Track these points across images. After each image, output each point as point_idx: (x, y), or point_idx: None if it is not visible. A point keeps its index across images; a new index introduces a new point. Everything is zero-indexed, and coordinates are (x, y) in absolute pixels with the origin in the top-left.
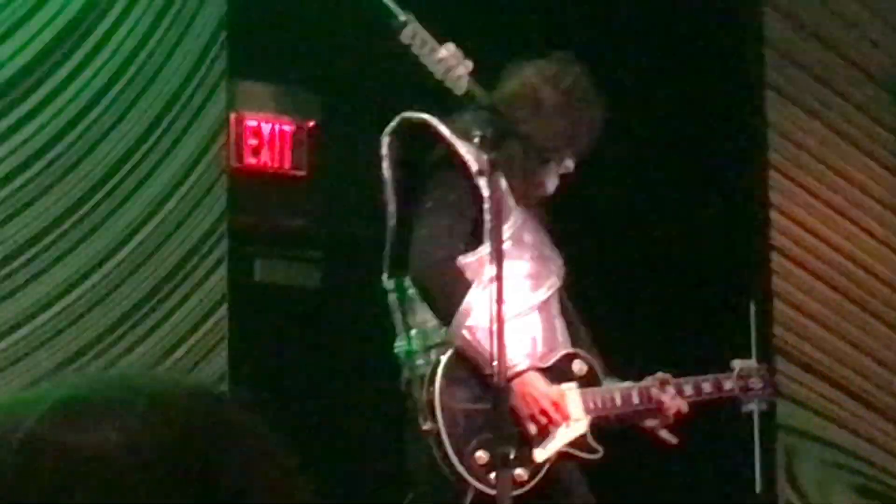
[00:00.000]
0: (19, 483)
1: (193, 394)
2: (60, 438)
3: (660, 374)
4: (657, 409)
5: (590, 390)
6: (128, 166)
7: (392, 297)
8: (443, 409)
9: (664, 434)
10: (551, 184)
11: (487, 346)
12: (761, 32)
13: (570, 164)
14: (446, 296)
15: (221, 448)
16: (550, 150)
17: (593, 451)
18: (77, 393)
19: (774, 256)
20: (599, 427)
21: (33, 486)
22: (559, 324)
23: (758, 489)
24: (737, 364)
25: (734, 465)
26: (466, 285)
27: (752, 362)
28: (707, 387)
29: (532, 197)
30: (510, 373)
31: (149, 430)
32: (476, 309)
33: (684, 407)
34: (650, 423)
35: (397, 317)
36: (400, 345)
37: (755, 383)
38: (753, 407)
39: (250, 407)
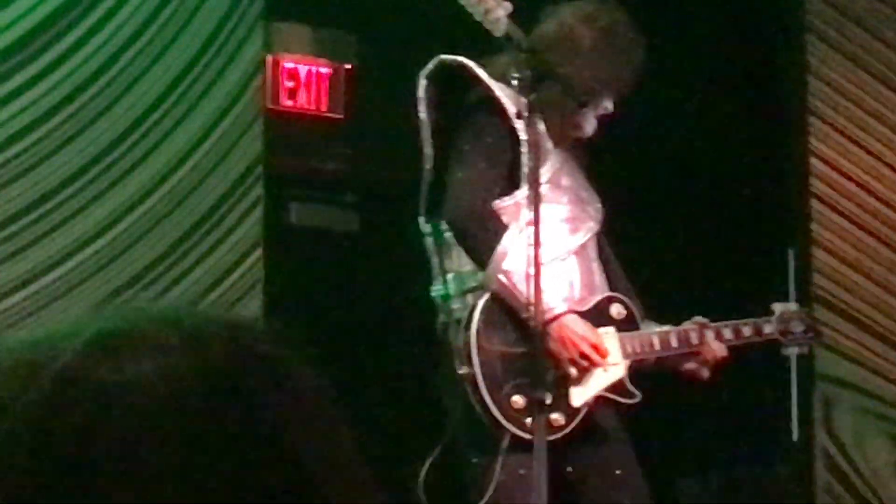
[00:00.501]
0: (54, 416)
1: (232, 327)
2: (95, 371)
3: (698, 318)
4: (696, 353)
5: (628, 334)
6: (163, 108)
7: (429, 241)
8: (479, 354)
9: (700, 371)
10: (590, 125)
11: (524, 290)
12: None
13: (609, 105)
14: (481, 241)
15: (259, 381)
16: (588, 91)
17: (631, 395)
18: (113, 326)
19: (814, 203)
20: (637, 371)
21: (68, 418)
22: (597, 267)
23: (794, 437)
24: (777, 308)
25: (771, 412)
26: (502, 229)
27: (792, 305)
28: (747, 330)
29: (570, 139)
30: (548, 316)
31: (185, 362)
32: (512, 253)
33: (723, 350)
34: (689, 366)
35: (434, 260)
36: (437, 288)
37: (796, 327)
38: (793, 350)
39: (289, 343)
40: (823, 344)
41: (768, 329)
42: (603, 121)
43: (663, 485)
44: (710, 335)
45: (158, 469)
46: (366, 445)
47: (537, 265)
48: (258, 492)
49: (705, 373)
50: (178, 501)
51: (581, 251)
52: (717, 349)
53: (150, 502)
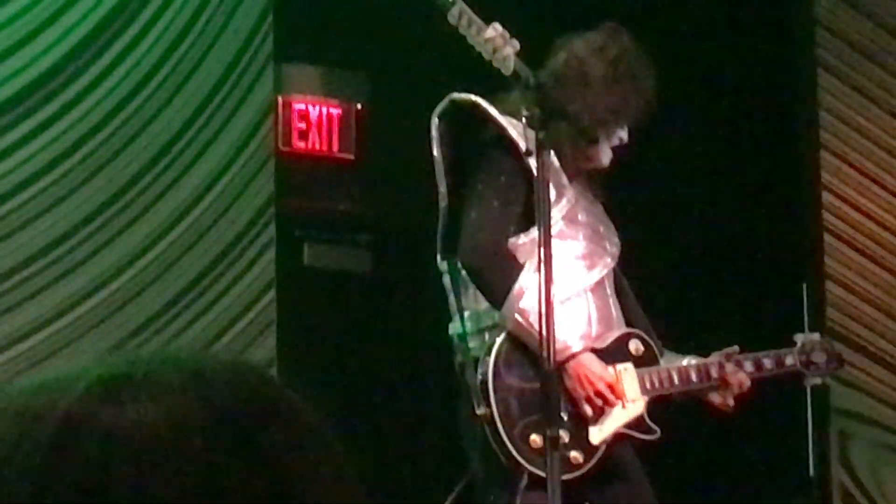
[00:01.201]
0: (57, 461)
1: (236, 370)
2: (99, 415)
3: (726, 350)
4: (720, 384)
5: (647, 370)
6: (175, 150)
7: (445, 279)
8: (496, 393)
9: (726, 402)
10: (605, 157)
11: None
12: (812, 12)
13: (623, 135)
14: (497, 281)
15: (264, 425)
16: (601, 123)
17: (650, 431)
18: (115, 369)
19: (827, 238)
20: (661, 404)
21: (71, 464)
22: (614, 303)
23: (811, 472)
24: (799, 338)
25: (788, 447)
26: (517, 269)
27: (815, 336)
28: (768, 363)
29: (586, 171)
30: (565, 355)
31: (188, 403)
32: (529, 291)
33: (747, 381)
34: (714, 397)
35: (451, 298)
36: (454, 326)
37: (818, 357)
38: (816, 381)
39: (297, 390)
40: (839, 378)
41: (790, 360)
42: (619, 151)
43: None
44: (730, 368)
45: None
46: (384, 487)
47: (549, 304)
48: None
49: (731, 402)
50: None
51: (597, 287)
52: (742, 379)
53: None
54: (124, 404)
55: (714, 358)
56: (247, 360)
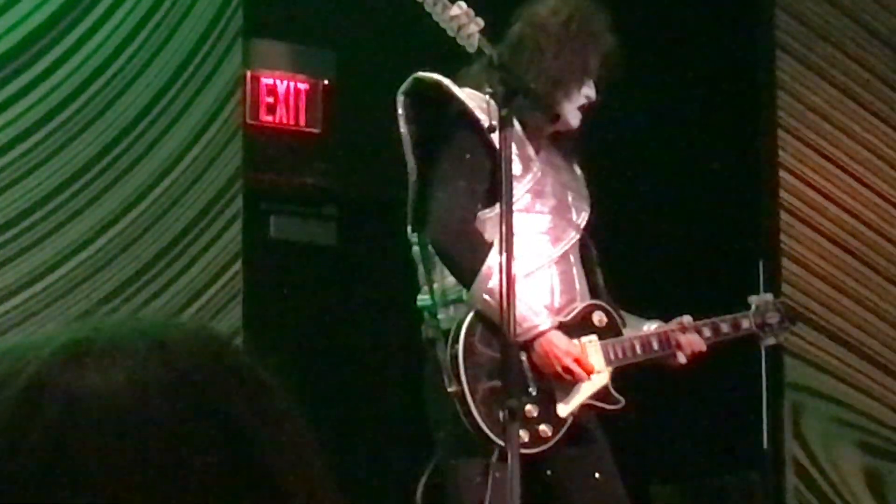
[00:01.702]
0: (23, 426)
1: (199, 337)
2: (64, 380)
3: (685, 318)
4: (678, 349)
5: (610, 341)
6: (144, 123)
7: (415, 250)
8: (466, 371)
9: (678, 359)
10: (573, 118)
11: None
12: (770, 19)
13: (590, 93)
14: (465, 262)
15: (226, 391)
16: (560, 85)
17: (615, 401)
18: (81, 336)
19: (784, 216)
20: (622, 375)
21: (37, 428)
22: (578, 274)
23: (765, 444)
24: (753, 300)
25: (743, 421)
26: (485, 248)
27: (768, 296)
28: (725, 327)
29: (553, 137)
30: (532, 333)
31: (152, 369)
32: (496, 271)
33: (702, 345)
34: (671, 362)
35: (420, 270)
36: (423, 298)
37: (772, 318)
38: (772, 341)
39: (262, 359)
40: (792, 353)
41: (746, 324)
42: (585, 110)
43: (637, 490)
44: (690, 334)
45: (126, 475)
46: (347, 456)
47: (511, 283)
48: (224, 496)
49: (683, 359)
50: None
51: (562, 259)
52: (696, 342)
53: None
54: (87, 369)
55: (672, 325)
56: (210, 327)
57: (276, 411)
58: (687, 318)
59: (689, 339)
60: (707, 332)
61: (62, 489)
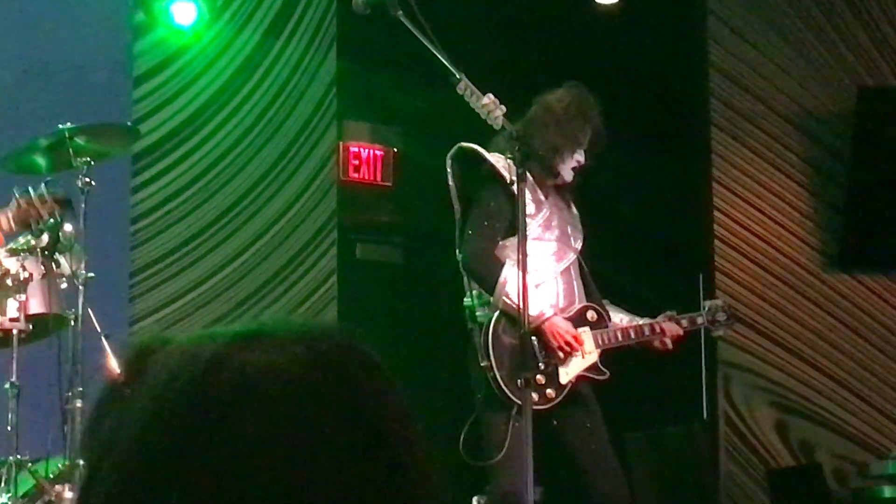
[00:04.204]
0: (204, 390)
1: (334, 331)
2: (238, 358)
3: (668, 312)
4: (662, 334)
5: (599, 331)
6: (268, 180)
7: (462, 266)
8: (494, 350)
9: (666, 345)
10: (568, 174)
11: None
12: (708, 88)
13: (580, 158)
14: (487, 278)
15: (353, 369)
16: (558, 152)
17: (602, 373)
18: (251, 328)
19: (717, 243)
20: (615, 353)
21: (215, 389)
22: (577, 284)
23: (704, 404)
24: (706, 303)
25: (688, 388)
26: (499, 267)
27: (718, 301)
28: (685, 322)
29: (556, 187)
30: (541, 319)
31: (302, 353)
32: (510, 281)
33: (679, 330)
34: (657, 345)
35: (465, 281)
36: (467, 300)
37: (721, 316)
38: (721, 332)
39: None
40: (723, 339)
41: (700, 320)
42: (577, 170)
43: (614, 435)
44: (665, 326)
45: (277, 428)
46: (420, 415)
47: (525, 289)
48: (346, 454)
49: (669, 345)
50: (290, 455)
51: (564, 273)
52: (675, 329)
53: (271, 455)
54: (254, 350)
55: (656, 319)
56: (344, 325)
57: (391, 391)
58: (672, 313)
59: (670, 328)
60: (673, 325)
61: (232, 439)
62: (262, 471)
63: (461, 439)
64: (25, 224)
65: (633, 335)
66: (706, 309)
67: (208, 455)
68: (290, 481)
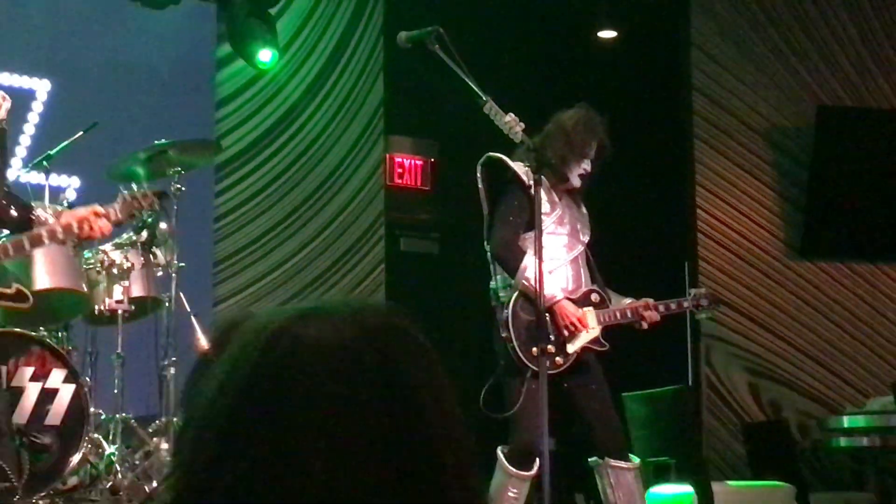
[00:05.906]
0: (266, 356)
1: (383, 309)
2: (294, 330)
3: (647, 299)
4: (643, 318)
5: (601, 311)
6: (329, 183)
7: (489, 256)
8: (513, 326)
9: (645, 326)
10: (576, 180)
11: (537, 288)
12: (691, 107)
13: (587, 166)
14: (511, 263)
15: (398, 346)
16: (568, 162)
17: (603, 346)
18: (309, 305)
19: (700, 236)
20: (611, 329)
21: (276, 357)
22: (584, 271)
23: (689, 369)
24: (692, 291)
25: (677, 354)
26: (521, 255)
27: (702, 290)
28: (673, 305)
29: (567, 190)
30: (552, 301)
31: (351, 328)
32: (529, 267)
33: (656, 316)
34: (641, 325)
35: (492, 268)
36: (492, 284)
37: (704, 301)
38: (704, 315)
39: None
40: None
41: (686, 304)
42: (585, 177)
43: (614, 396)
44: (651, 309)
45: (322, 396)
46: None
47: (541, 276)
48: (388, 422)
49: (645, 325)
50: (330, 418)
51: (573, 262)
52: (653, 315)
53: (313, 417)
54: (309, 324)
55: (641, 303)
56: (391, 305)
57: (430, 365)
58: (650, 300)
59: (650, 314)
60: (661, 308)
61: (283, 401)
62: (305, 430)
63: (481, 397)
64: (130, 215)
65: (629, 315)
66: (691, 295)
67: (264, 415)
68: (330, 442)
